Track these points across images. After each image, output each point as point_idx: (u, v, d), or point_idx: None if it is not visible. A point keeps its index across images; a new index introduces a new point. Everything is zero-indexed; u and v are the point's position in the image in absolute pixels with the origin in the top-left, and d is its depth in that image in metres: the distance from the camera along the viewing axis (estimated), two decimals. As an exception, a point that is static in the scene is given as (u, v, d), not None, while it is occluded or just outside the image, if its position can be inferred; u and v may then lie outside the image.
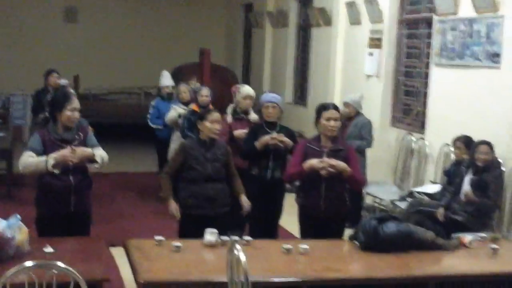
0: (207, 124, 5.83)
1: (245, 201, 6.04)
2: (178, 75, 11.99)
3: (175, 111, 9.07)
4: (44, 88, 10.25)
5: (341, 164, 5.56)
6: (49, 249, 4.59)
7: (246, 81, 15.23)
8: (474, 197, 6.57)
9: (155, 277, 4.40)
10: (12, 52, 16.06)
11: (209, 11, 17.69)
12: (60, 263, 3.83)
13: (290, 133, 6.75)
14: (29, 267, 3.77)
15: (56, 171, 5.11)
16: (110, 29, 16.92)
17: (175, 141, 8.88)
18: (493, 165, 6.66)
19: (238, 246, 3.90)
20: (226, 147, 6.07)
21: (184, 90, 9.46)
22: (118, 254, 6.55)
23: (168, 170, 5.95)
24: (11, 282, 3.72)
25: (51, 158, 5.08)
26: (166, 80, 10.07)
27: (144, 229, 8.08)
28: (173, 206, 5.82)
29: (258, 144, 6.55)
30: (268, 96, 6.95)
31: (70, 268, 3.81)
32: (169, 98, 9.81)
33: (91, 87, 15.19)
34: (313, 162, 5.57)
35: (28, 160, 5.14)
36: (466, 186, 6.64)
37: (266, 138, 6.55)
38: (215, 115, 5.91)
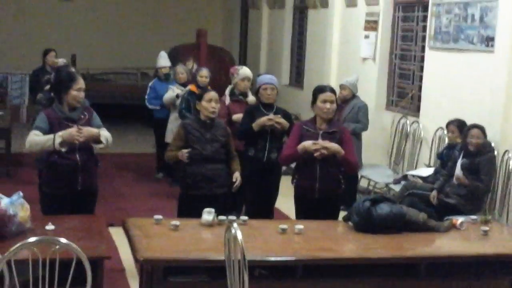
0: (204, 103, 5.87)
1: (236, 177, 6.00)
2: (175, 56, 12.00)
3: (172, 92, 9.14)
4: (42, 67, 10.33)
5: (334, 146, 5.60)
6: (50, 227, 4.66)
7: (243, 62, 15.24)
8: (465, 180, 6.66)
9: (154, 255, 4.47)
10: (10, 32, 16.01)
11: (206, -8, 17.70)
12: (62, 240, 3.88)
13: (286, 115, 6.77)
14: (32, 242, 3.82)
15: (63, 149, 5.18)
16: (107, 9, 16.88)
17: (173, 122, 8.96)
18: (485, 149, 6.73)
19: (235, 226, 3.98)
20: (226, 128, 6.09)
21: (181, 71, 9.52)
22: (116, 234, 6.63)
23: (172, 149, 5.94)
24: (14, 258, 3.78)
25: (58, 137, 5.15)
26: (163, 61, 10.07)
27: (142, 209, 8.16)
28: (182, 152, 5.78)
29: (255, 125, 6.57)
30: (266, 78, 6.96)
31: (73, 244, 3.87)
32: (166, 79, 9.85)
33: (88, 67, 15.17)
34: (307, 144, 5.62)
35: (35, 138, 5.21)
36: (458, 170, 6.74)
37: (263, 119, 6.57)
38: (212, 94, 5.92)
